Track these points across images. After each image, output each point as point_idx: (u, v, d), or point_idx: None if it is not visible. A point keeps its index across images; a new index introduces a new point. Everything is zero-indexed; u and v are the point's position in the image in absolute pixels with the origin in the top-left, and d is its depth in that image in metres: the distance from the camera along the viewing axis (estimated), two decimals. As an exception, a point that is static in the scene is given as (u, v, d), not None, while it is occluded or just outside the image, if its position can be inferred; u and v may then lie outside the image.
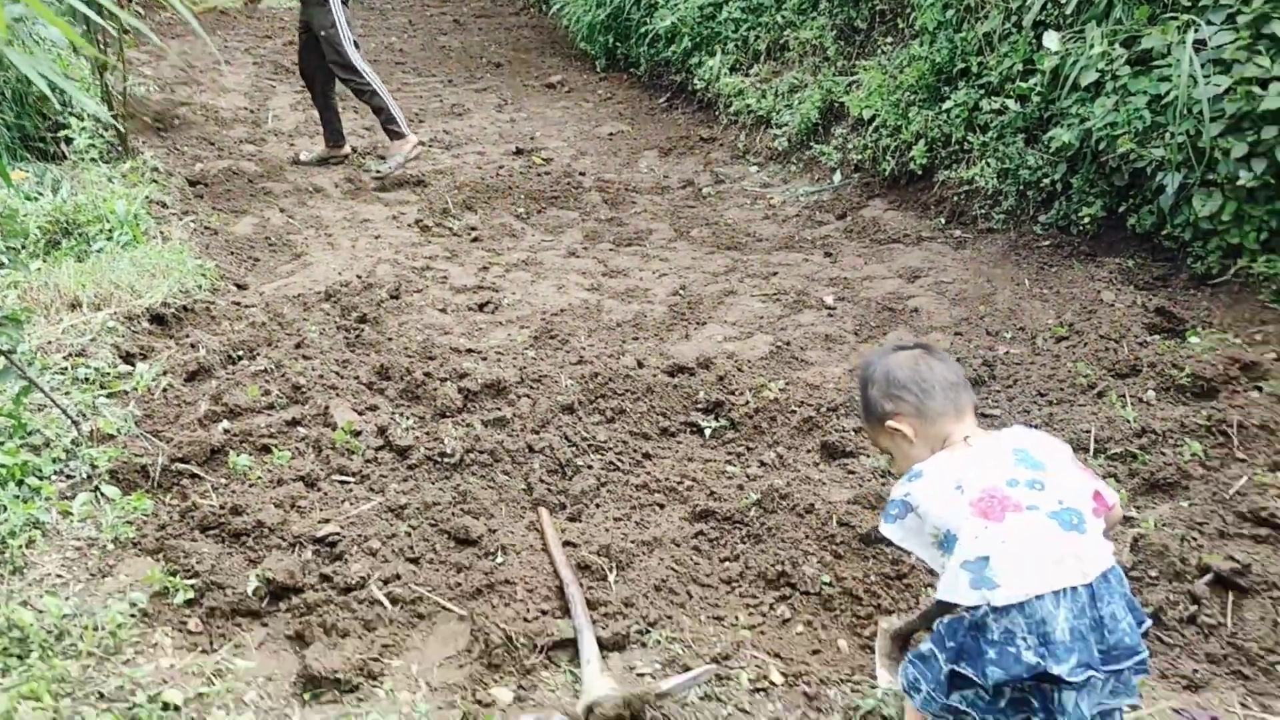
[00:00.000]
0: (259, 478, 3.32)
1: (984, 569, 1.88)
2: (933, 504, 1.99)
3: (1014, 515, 1.90)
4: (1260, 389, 3.82)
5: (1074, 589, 1.83)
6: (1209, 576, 2.85)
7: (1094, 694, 1.85)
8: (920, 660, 2.01)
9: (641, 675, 2.59)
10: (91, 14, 1.74)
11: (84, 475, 3.22)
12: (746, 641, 2.72)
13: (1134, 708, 2.18)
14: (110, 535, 2.97)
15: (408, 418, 3.77)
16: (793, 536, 3.13)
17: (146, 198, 5.65)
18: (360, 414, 3.76)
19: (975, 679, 1.88)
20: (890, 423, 2.18)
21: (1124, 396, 3.85)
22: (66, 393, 3.61)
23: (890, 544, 2.38)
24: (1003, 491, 1.93)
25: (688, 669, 2.58)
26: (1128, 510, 3.18)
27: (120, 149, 6.44)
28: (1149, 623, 1.93)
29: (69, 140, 6.05)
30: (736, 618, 2.84)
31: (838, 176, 7.04)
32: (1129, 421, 3.64)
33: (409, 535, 3.10)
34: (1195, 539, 3.02)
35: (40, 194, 5.29)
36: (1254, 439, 3.51)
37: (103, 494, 3.15)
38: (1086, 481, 2.00)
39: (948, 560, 1.96)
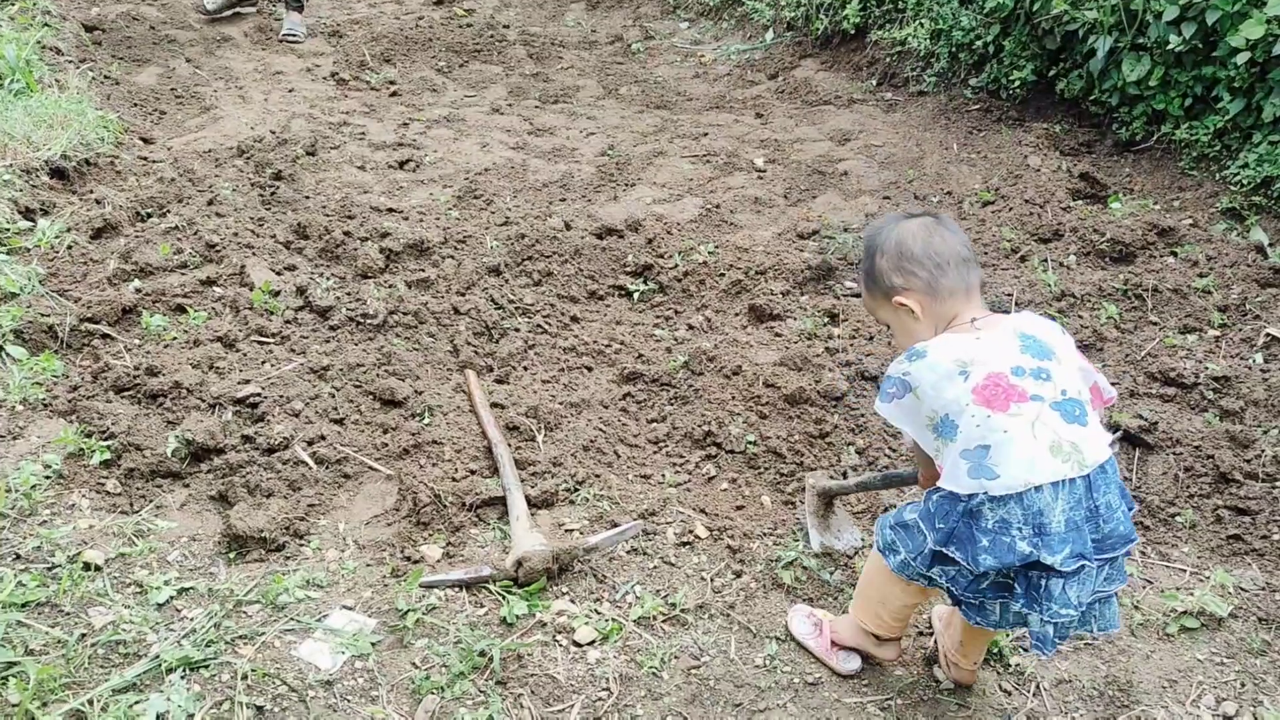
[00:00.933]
0: (174, 338, 3.22)
1: (984, 458, 1.84)
2: (933, 386, 1.91)
3: (1018, 405, 1.85)
4: (1175, 254, 3.91)
5: (1072, 480, 1.82)
6: (1118, 434, 2.95)
7: (1088, 582, 1.85)
8: (903, 528, 1.99)
9: (570, 531, 2.62)
10: None
11: (-14, 335, 3.08)
12: (673, 498, 2.76)
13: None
14: (18, 396, 2.86)
15: (328, 278, 3.67)
16: (719, 398, 3.15)
17: (38, 43, 5.28)
18: (278, 274, 3.64)
19: (963, 563, 1.88)
20: (898, 298, 2.06)
21: (1046, 261, 3.91)
22: (-38, 249, 3.42)
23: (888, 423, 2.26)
24: (1008, 380, 1.87)
25: (615, 525, 2.62)
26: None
27: (6, -12, 5.98)
28: (1136, 507, 1.91)
29: (-52, -23, 5.61)
30: (663, 476, 2.88)
31: (770, 35, 6.88)
32: (1049, 285, 3.71)
33: (333, 397, 3.05)
34: (1107, 398, 3.11)
35: (-81, 36, 4.91)
36: (1167, 303, 3.60)
37: (8, 354, 3.03)
38: (1088, 374, 1.97)
39: (943, 445, 1.92)
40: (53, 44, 5.53)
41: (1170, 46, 4.33)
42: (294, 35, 6.73)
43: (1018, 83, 5.19)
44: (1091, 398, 1.94)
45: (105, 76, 5.57)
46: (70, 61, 5.47)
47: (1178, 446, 2.92)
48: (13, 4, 5.74)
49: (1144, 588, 2.50)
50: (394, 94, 5.99)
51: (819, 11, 6.47)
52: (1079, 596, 1.83)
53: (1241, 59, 4.08)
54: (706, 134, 5.50)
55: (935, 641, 2.30)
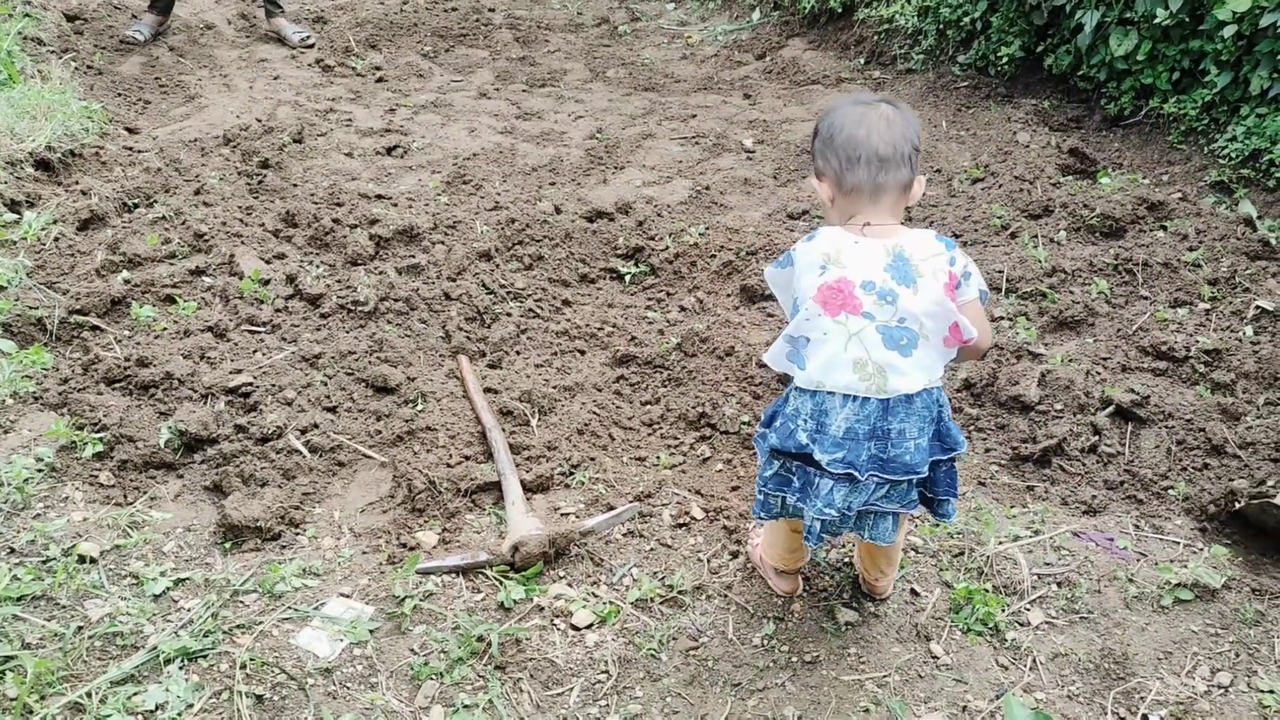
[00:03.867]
0: (164, 329, 3.20)
1: (802, 349, 2.00)
2: (802, 270, 2.02)
3: (848, 315, 1.94)
4: (1165, 229, 3.92)
5: (865, 399, 1.93)
6: (1110, 408, 2.96)
7: (860, 492, 1.98)
8: (760, 437, 2.13)
9: (566, 515, 2.62)
10: None
11: (-25, 329, 3.06)
12: (668, 480, 2.76)
13: (912, 518, 2.34)
14: (8, 390, 2.85)
15: (318, 266, 3.65)
16: (712, 379, 3.15)
17: (19, 33, 5.23)
18: (268, 262, 3.63)
19: (758, 442, 2.06)
20: (813, 180, 2.16)
21: (1036, 237, 3.91)
22: (-52, 243, 3.40)
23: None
24: (851, 290, 1.95)
25: (611, 508, 2.62)
26: (1036, 347, 3.27)
27: (-14, -21, 5.92)
28: (961, 449, 2.02)
29: (-73, -32, 5.54)
30: (658, 458, 2.88)
31: (757, 14, 6.85)
32: (1040, 261, 3.71)
33: (325, 385, 3.04)
34: (1099, 373, 3.12)
35: (-101, 28, 4.86)
36: (1157, 277, 3.61)
37: (-3, 348, 3.01)
38: (949, 313, 1.98)
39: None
40: (34, 34, 5.48)
41: (1157, 20, 4.32)
42: (305, 36, 6.58)
43: (1006, 59, 5.18)
44: (948, 336, 2.00)
45: (88, 66, 5.52)
46: (52, 52, 5.43)
47: (1170, 420, 2.93)
48: (-8, -6, 5.68)
49: (1138, 560, 2.51)
50: (380, 80, 5.96)
51: (805, -10, 6.44)
52: (847, 501, 1.99)
53: (1229, 32, 4.07)
54: (695, 116, 5.48)
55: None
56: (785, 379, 3.10)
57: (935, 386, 1.98)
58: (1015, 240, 3.92)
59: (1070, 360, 3.19)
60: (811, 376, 1.96)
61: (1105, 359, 3.22)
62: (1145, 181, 4.31)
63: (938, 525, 2.58)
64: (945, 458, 2.04)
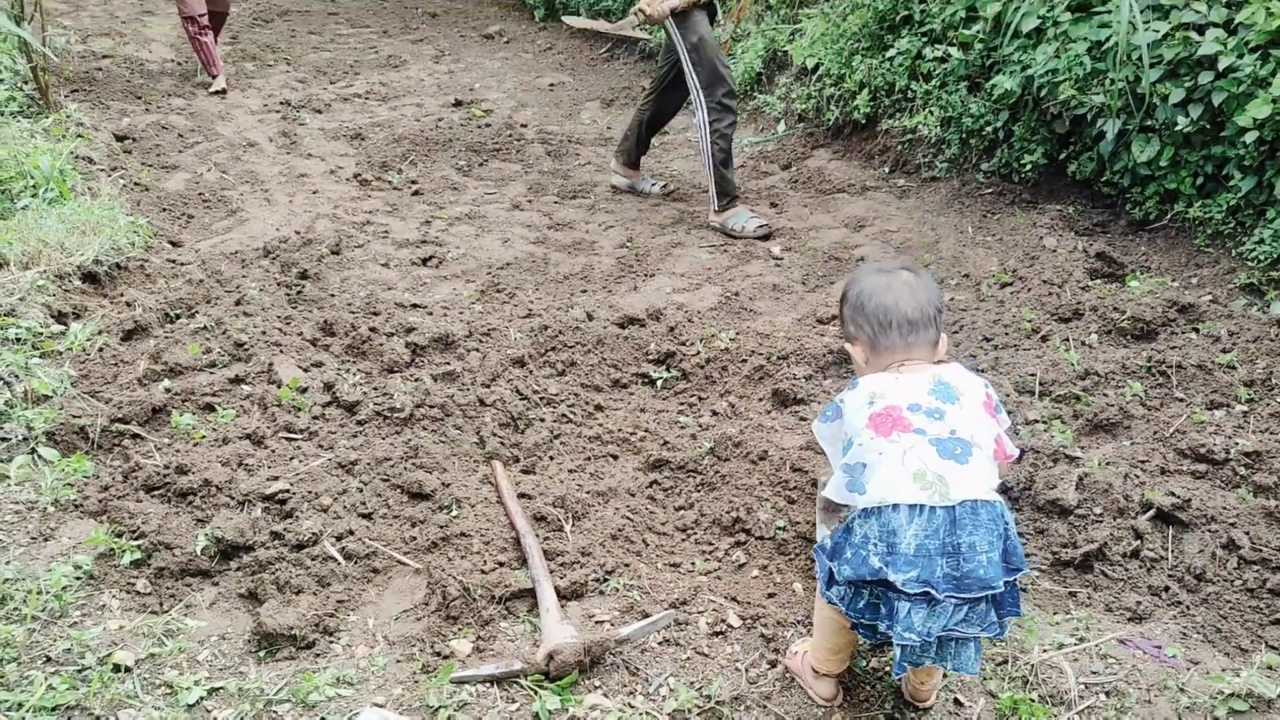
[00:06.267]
0: (203, 436, 3.25)
1: (860, 474, 2.04)
2: (850, 411, 2.13)
3: (900, 433, 2.02)
4: (1197, 330, 3.91)
5: (931, 509, 1.93)
6: (1151, 512, 2.92)
7: (940, 615, 1.93)
8: (820, 550, 2.15)
9: (600, 622, 2.59)
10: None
11: (20, 438, 3.11)
12: (704, 587, 2.74)
13: (995, 639, 2.27)
14: (50, 498, 2.88)
15: (354, 373, 3.71)
16: (746, 483, 3.14)
17: (72, 153, 5.45)
18: (305, 370, 3.69)
19: (835, 575, 2.04)
20: (846, 344, 2.37)
21: (1067, 340, 3.92)
22: (-3, 354, 3.49)
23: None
24: (901, 412, 2.05)
25: (646, 615, 2.59)
26: (1072, 450, 3.24)
27: (42, 103, 6.20)
28: (1024, 570, 2.00)
29: (-13, 94, 5.81)
30: (693, 564, 2.85)
31: (782, 126, 7.02)
32: (1073, 364, 3.71)
33: (360, 491, 3.06)
34: (1138, 476, 3.09)
35: (-42, 150, 5.07)
36: (1191, 379, 3.59)
37: (40, 456, 3.06)
38: (991, 426, 2.10)
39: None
40: (85, 154, 5.70)
41: (1179, 128, 4.40)
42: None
43: (1029, 166, 5.26)
44: (996, 448, 2.09)
45: (135, 183, 5.72)
46: (102, 170, 5.63)
47: (1213, 524, 2.88)
48: (48, 117, 5.93)
49: (1189, 669, 2.45)
50: (416, 193, 6.13)
51: (829, 103, 6.61)
52: (926, 625, 1.94)
53: (1250, 138, 4.13)
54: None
55: None
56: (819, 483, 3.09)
57: (998, 501, 1.99)
58: (1046, 343, 3.93)
59: (1108, 463, 3.16)
60: (873, 496, 1.98)
61: (1143, 462, 3.18)
62: (1174, 284, 4.33)
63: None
64: (1010, 578, 2.01)
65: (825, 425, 2.22)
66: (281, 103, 7.75)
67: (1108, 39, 4.62)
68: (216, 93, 7.81)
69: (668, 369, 3.92)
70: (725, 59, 5.55)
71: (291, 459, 3.18)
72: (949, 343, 2.30)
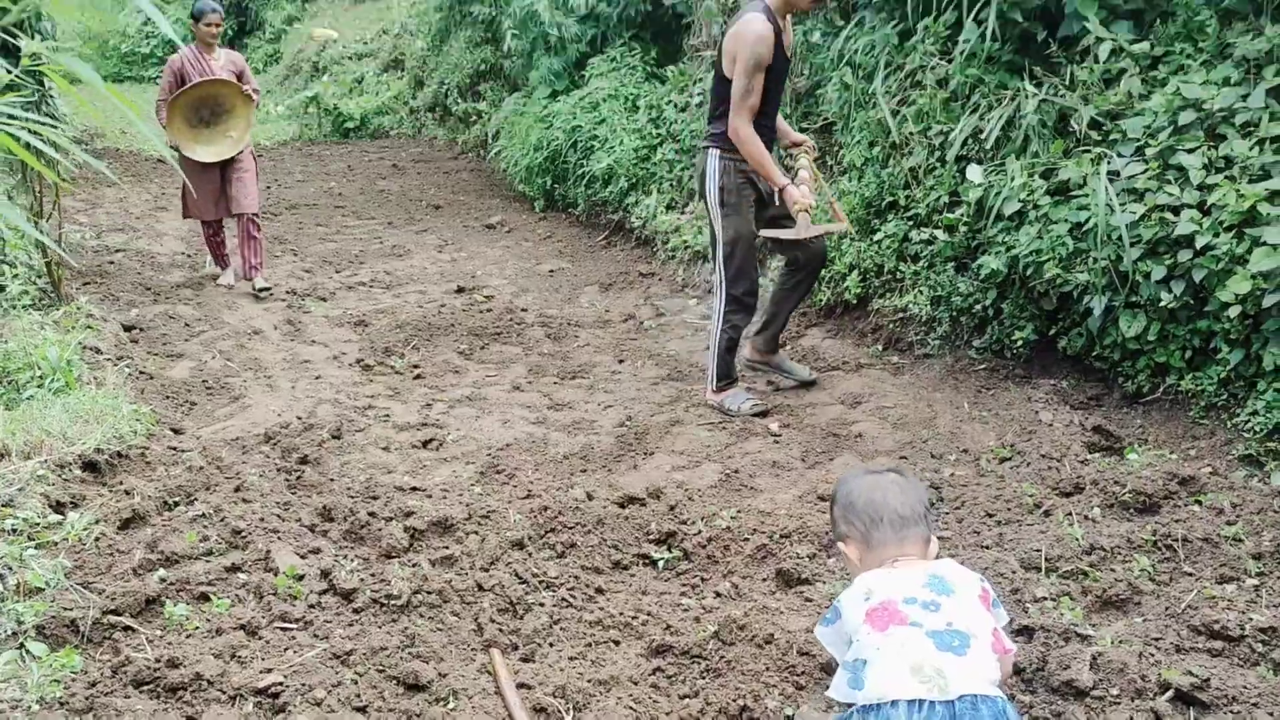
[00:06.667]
0: (197, 627, 3.18)
1: (860, 671, 2.04)
2: (848, 609, 2.16)
3: (896, 628, 2.02)
4: (1200, 503, 3.90)
5: (930, 703, 1.90)
6: (1170, 693, 2.83)
7: None
8: None
9: (604, 823, 2.47)
10: (47, 149, 1.75)
11: (9, 632, 3.05)
12: (711, 781, 2.63)
13: None
14: (35, 695, 2.80)
15: (352, 559, 3.67)
16: (753, 669, 3.06)
17: (80, 343, 5.55)
18: (303, 557, 3.64)
19: None
20: (839, 544, 2.42)
21: (1070, 514, 3.89)
22: (-8, 545, 3.45)
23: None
24: (896, 606, 2.07)
25: (652, 813, 2.47)
26: (1083, 628, 3.18)
27: (54, 295, 6.37)
28: None
29: (0, 288, 5.96)
30: (699, 756, 2.75)
31: (775, 307, 7.18)
32: (1077, 539, 3.67)
33: (355, 683, 2.97)
34: (1153, 655, 3.02)
35: (-31, 343, 5.17)
36: (1199, 552, 3.55)
37: (29, 651, 2.99)
38: (988, 619, 2.11)
39: None
40: (93, 344, 5.81)
41: (1163, 303, 4.51)
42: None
43: (1020, 342, 5.36)
44: (994, 641, 2.08)
45: (141, 371, 5.80)
46: (108, 359, 5.73)
47: (1234, 704, 2.79)
48: (59, 309, 6.08)
49: None
50: (418, 376, 6.21)
51: (821, 284, 6.78)
52: None
53: (1234, 312, 4.23)
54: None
55: None
56: (831, 669, 3.01)
57: (999, 697, 1.96)
58: (1049, 518, 3.90)
59: (1121, 641, 3.09)
60: (871, 693, 1.96)
61: (1157, 639, 3.11)
62: (1173, 456, 4.34)
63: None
64: None
65: (828, 629, 2.24)
66: (288, 291, 7.96)
67: (1087, 220, 4.79)
68: (224, 286, 8.01)
69: (669, 549, 3.88)
70: (756, 261, 5.50)
71: (286, 649, 3.11)
72: (937, 546, 2.33)
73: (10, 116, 1.81)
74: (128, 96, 3.64)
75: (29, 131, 1.76)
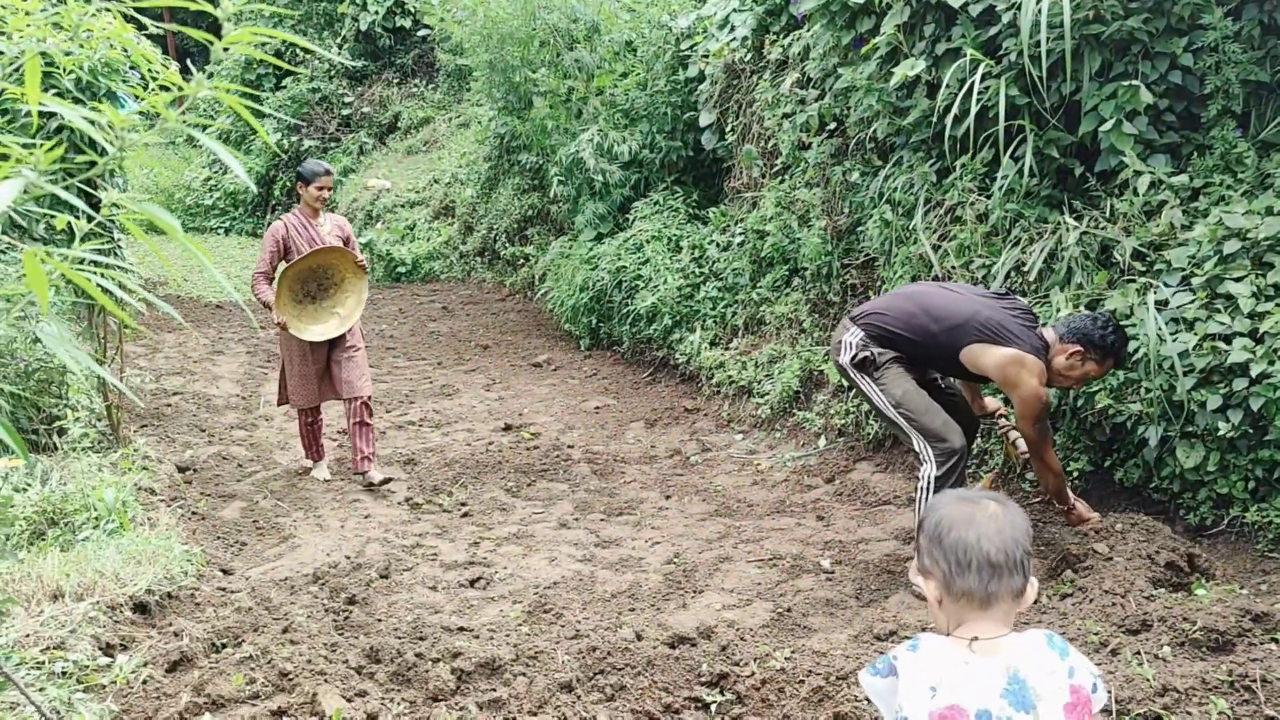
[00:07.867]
0: (240, 775, 3.12)
1: None
2: (908, 686, 1.95)
3: None
4: (1277, 641, 3.73)
5: None
6: (1261, 847, 2.66)
7: None
8: None
9: None
10: (117, 291, 1.82)
11: (53, 779, 3.01)
12: None
13: None
14: (77, 846, 2.74)
15: (399, 703, 3.60)
16: (812, 819, 2.93)
17: (136, 485, 5.64)
18: (349, 700, 3.59)
19: None
20: (919, 577, 2.11)
21: (1139, 654, 3.74)
22: (41, 689, 3.44)
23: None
24: (967, 718, 1.88)
25: None
26: (1162, 776, 3.01)
27: (112, 438, 6.50)
28: None
29: (62, 431, 6.11)
30: None
31: (822, 441, 7.14)
32: (1149, 680, 3.52)
33: (401, 833, 2.88)
34: (1239, 805, 2.84)
35: (29, 485, 5.27)
36: (1279, 694, 3.38)
37: (72, 799, 2.94)
38: None
39: None
40: (148, 485, 5.90)
41: (1221, 433, 4.42)
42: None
43: (1075, 474, 5.26)
44: None
45: (193, 512, 5.87)
46: (162, 500, 5.80)
47: None
48: (116, 451, 6.20)
49: None
50: (465, 514, 6.21)
51: (868, 418, 6.75)
52: None
53: (1295, 440, 4.14)
54: (769, 538, 5.56)
55: None
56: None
57: None
58: (1117, 657, 3.75)
59: (1204, 790, 2.92)
60: None
61: (1243, 788, 2.94)
62: (1244, 591, 4.18)
63: None
64: None
65: (876, 679, 2.02)
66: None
67: (1137, 350, 4.76)
68: (319, 479, 7.06)
69: (721, 691, 3.77)
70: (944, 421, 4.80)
71: (330, 798, 3.03)
72: (1036, 590, 2.07)
73: (94, 263, 1.89)
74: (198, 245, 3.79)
75: (103, 276, 1.84)
